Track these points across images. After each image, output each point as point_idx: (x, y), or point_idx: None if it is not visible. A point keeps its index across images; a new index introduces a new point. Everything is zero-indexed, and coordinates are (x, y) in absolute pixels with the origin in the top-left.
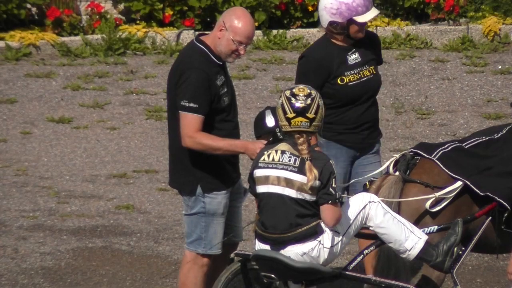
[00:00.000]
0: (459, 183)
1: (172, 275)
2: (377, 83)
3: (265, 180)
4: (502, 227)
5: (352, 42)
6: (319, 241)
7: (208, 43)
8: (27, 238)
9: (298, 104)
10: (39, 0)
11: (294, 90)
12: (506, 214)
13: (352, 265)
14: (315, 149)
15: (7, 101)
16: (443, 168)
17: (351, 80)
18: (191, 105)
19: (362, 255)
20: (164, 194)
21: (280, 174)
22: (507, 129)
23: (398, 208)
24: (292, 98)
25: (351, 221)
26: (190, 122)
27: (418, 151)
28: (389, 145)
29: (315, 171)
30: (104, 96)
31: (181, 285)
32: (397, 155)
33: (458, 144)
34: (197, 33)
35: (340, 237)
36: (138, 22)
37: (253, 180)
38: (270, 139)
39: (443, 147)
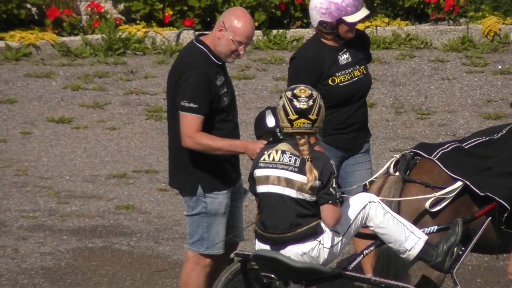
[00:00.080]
0: (459, 183)
1: (172, 275)
2: (367, 83)
3: (266, 180)
4: (502, 227)
5: (343, 42)
6: (319, 241)
7: (207, 43)
8: (27, 238)
9: (300, 105)
10: (39, 0)
11: (295, 91)
12: (506, 214)
13: (352, 265)
14: (314, 148)
15: (7, 101)
16: (443, 168)
17: (342, 80)
18: (191, 105)
19: (362, 255)
20: (164, 194)
21: (280, 174)
22: (507, 129)
23: (398, 208)
24: (294, 100)
25: (351, 221)
26: (190, 122)
27: (418, 151)
28: (389, 145)
29: (315, 172)
30: (104, 96)
31: (184, 285)
32: (397, 155)
33: (458, 144)
34: (197, 33)
35: (340, 237)
36: (138, 22)
37: (253, 180)
38: (270, 139)
39: (443, 147)
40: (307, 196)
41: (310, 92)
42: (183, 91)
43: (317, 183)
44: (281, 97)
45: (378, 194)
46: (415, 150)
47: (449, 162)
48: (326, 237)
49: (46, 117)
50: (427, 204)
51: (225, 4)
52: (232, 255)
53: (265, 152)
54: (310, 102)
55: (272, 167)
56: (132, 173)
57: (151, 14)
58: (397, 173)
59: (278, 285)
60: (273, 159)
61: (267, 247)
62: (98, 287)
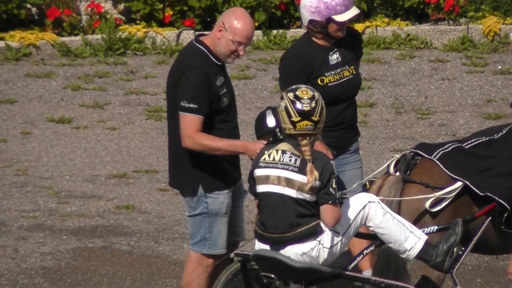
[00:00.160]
0: (459, 184)
1: (172, 275)
2: (356, 84)
3: (266, 179)
4: (502, 227)
5: (334, 41)
6: (319, 241)
7: (207, 43)
8: (27, 238)
9: (303, 107)
10: (39, 0)
11: (297, 92)
12: (506, 214)
13: (352, 265)
14: (315, 146)
15: (7, 101)
16: (443, 168)
17: (331, 80)
18: (191, 105)
19: (362, 255)
20: (164, 194)
21: (280, 174)
22: (507, 129)
23: (398, 208)
24: (297, 101)
25: (350, 221)
26: (190, 122)
27: (418, 151)
28: (389, 145)
29: (316, 173)
30: (104, 96)
31: (185, 285)
32: (397, 155)
33: (458, 145)
34: (197, 33)
35: (340, 237)
36: (138, 22)
37: (253, 180)
38: (270, 139)
39: (443, 148)
40: (307, 196)
41: (312, 93)
42: (183, 91)
43: (317, 183)
44: (282, 98)
45: (378, 194)
46: (415, 150)
47: (449, 162)
48: (326, 237)
49: (46, 117)
50: (427, 204)
51: (225, 4)
52: (232, 255)
53: (265, 152)
54: (313, 104)
55: (272, 167)
56: (132, 173)
57: (151, 14)
58: (397, 173)
59: (278, 285)
60: (274, 159)
61: (267, 247)
62: (98, 287)
